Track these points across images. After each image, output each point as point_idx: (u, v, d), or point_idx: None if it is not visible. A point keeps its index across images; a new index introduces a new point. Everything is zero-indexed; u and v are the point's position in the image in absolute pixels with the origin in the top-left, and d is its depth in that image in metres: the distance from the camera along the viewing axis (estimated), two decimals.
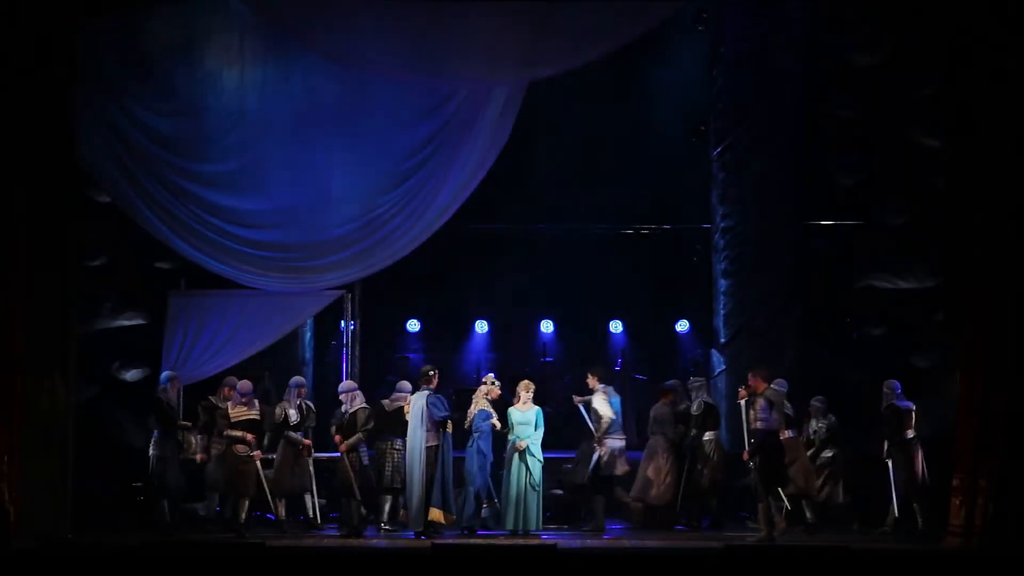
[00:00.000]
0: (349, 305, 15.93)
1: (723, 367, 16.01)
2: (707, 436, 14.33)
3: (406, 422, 13.64)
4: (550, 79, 14.81)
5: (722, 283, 16.53)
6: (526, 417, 13.70)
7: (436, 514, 13.43)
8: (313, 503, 14.20)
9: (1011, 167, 12.44)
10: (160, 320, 14.95)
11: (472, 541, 12.34)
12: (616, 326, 18.20)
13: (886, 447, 13.80)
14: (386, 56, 14.24)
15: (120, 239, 15.14)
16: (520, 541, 12.85)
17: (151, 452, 13.61)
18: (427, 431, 13.56)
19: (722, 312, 16.14)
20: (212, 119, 14.76)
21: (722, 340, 16.26)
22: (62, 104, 13.14)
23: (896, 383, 13.86)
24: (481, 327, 18.46)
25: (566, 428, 15.15)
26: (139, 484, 14.21)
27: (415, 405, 13.71)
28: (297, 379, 14.51)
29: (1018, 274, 12.37)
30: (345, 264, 14.94)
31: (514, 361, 18.05)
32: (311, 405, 14.49)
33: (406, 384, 14.16)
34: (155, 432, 13.67)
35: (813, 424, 14.36)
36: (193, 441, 14.24)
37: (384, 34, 14.10)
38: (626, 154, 17.27)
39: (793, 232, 16.28)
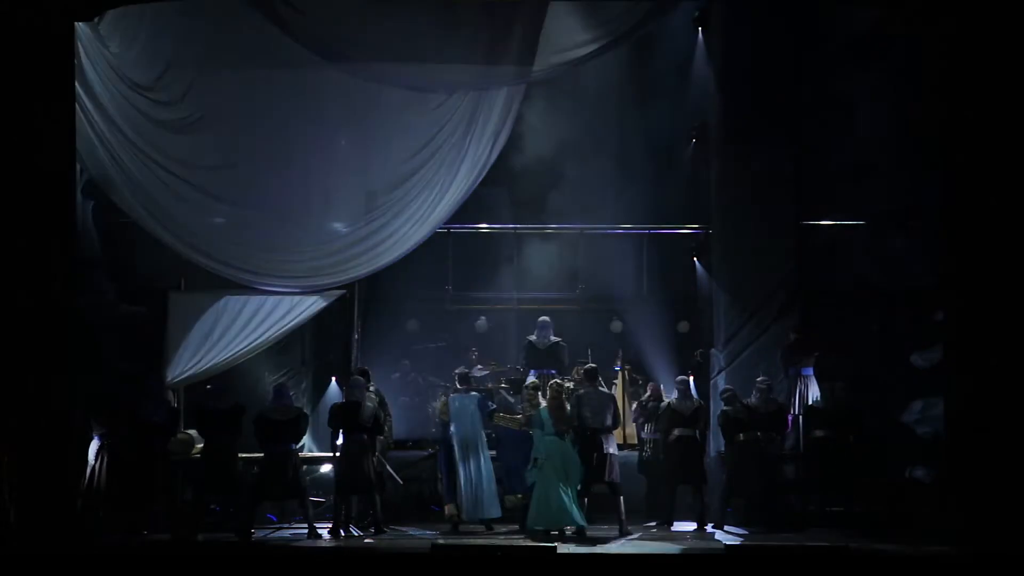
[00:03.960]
0: (350, 305, 15.95)
1: (723, 367, 15.99)
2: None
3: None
4: (549, 79, 14.84)
5: (722, 283, 16.53)
6: None
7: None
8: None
9: (1012, 166, 12.44)
10: (160, 320, 14.96)
11: (472, 541, 12.33)
12: (616, 326, 18.19)
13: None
14: (388, 61, 14.32)
15: (120, 239, 15.13)
16: (520, 541, 12.84)
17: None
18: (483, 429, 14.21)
19: (722, 312, 16.13)
20: (213, 120, 14.78)
21: (722, 340, 16.26)
22: (63, 103, 13.13)
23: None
24: (481, 327, 18.44)
25: None
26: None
27: (462, 405, 14.16)
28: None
29: (1018, 273, 12.37)
30: (345, 264, 14.97)
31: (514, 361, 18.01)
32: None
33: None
34: None
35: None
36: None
37: (385, 39, 14.17)
38: (626, 154, 17.28)
39: (793, 232, 16.27)
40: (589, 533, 13.35)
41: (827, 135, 16.15)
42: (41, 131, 12.78)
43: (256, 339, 14.84)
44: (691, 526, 14.17)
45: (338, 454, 13.67)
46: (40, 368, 12.65)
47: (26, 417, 12.50)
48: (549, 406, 13.64)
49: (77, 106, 13.43)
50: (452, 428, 14.21)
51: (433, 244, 15.93)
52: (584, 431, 13.67)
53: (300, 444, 13.87)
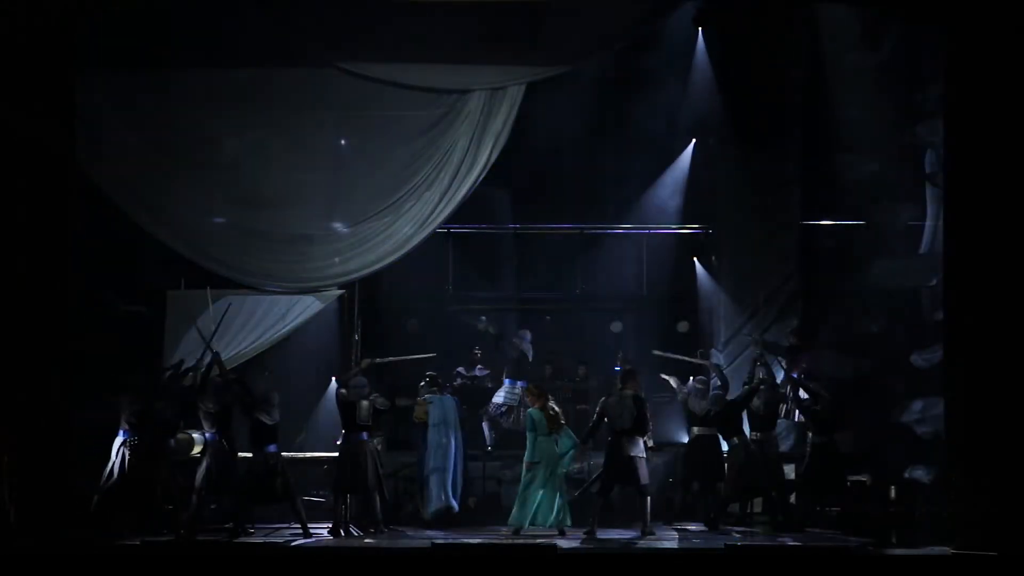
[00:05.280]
0: (350, 305, 15.96)
1: (723, 367, 15.97)
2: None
3: None
4: (549, 79, 14.85)
5: (722, 283, 16.55)
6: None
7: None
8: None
9: (1013, 167, 12.44)
10: (160, 320, 14.96)
11: (472, 541, 12.32)
12: (616, 326, 18.21)
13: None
14: (389, 62, 14.38)
15: (120, 239, 15.12)
16: (520, 541, 12.83)
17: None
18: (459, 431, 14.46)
19: (722, 312, 16.13)
20: (213, 119, 14.80)
21: (722, 340, 16.26)
22: (64, 103, 13.17)
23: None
24: (482, 326, 18.44)
25: None
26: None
27: (440, 409, 14.33)
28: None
29: (1018, 273, 12.37)
30: (345, 264, 14.97)
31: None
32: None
33: None
34: None
35: None
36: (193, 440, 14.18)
37: (386, 39, 14.23)
38: (626, 154, 17.29)
39: (794, 232, 16.29)
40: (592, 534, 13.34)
41: (827, 135, 16.15)
42: (41, 130, 12.81)
43: (256, 339, 14.83)
44: (691, 526, 14.17)
45: (338, 454, 13.67)
46: (40, 368, 12.67)
47: (26, 417, 12.52)
48: (543, 409, 13.61)
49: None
50: (430, 430, 14.35)
51: (433, 244, 15.97)
52: (612, 433, 13.61)
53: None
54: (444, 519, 14.26)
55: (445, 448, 14.33)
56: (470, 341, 16.92)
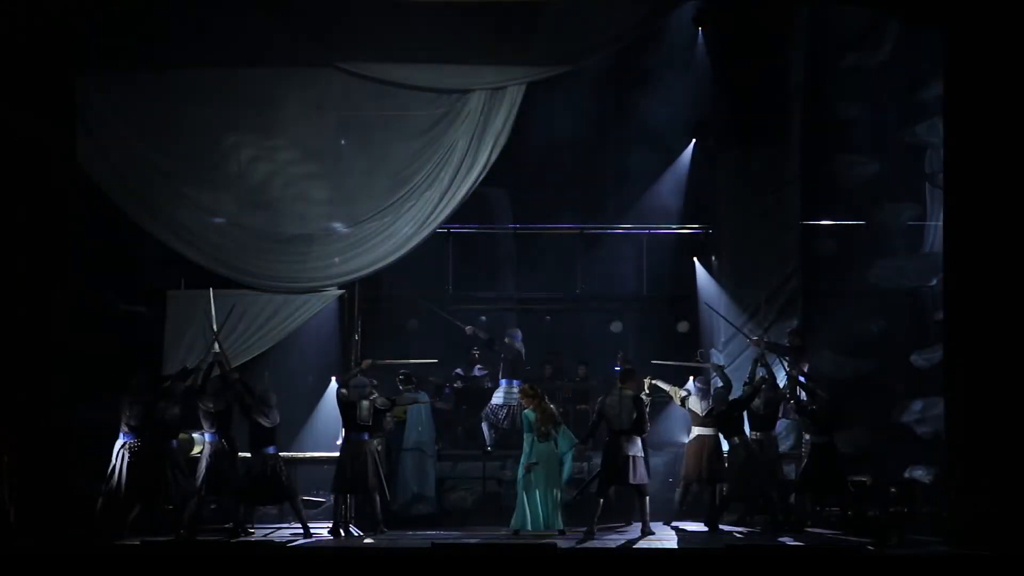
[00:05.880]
0: (350, 305, 15.96)
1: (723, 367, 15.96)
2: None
3: None
4: (549, 79, 14.86)
5: (722, 283, 16.54)
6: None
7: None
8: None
9: (1014, 166, 12.44)
10: (160, 320, 14.96)
11: (472, 541, 12.33)
12: (616, 326, 18.20)
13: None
14: (389, 62, 14.40)
15: (120, 239, 15.13)
16: (520, 541, 12.84)
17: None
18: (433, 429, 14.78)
19: (722, 312, 16.12)
20: (212, 119, 14.80)
21: (722, 340, 16.25)
22: (64, 103, 13.18)
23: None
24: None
25: None
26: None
27: (417, 407, 14.60)
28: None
29: (1018, 272, 12.37)
30: (344, 264, 14.98)
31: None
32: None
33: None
34: None
35: None
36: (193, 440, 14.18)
37: (386, 39, 14.24)
38: (626, 154, 17.30)
39: (793, 232, 16.28)
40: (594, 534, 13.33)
41: (827, 135, 16.16)
42: (41, 130, 12.82)
43: (256, 339, 14.83)
44: (690, 526, 14.16)
45: (339, 454, 13.68)
46: (40, 368, 12.66)
47: (26, 417, 12.52)
48: (536, 409, 13.57)
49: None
50: (407, 429, 14.58)
51: (433, 244, 15.98)
52: (610, 433, 13.58)
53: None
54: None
55: (420, 448, 14.56)
56: (469, 341, 16.91)
